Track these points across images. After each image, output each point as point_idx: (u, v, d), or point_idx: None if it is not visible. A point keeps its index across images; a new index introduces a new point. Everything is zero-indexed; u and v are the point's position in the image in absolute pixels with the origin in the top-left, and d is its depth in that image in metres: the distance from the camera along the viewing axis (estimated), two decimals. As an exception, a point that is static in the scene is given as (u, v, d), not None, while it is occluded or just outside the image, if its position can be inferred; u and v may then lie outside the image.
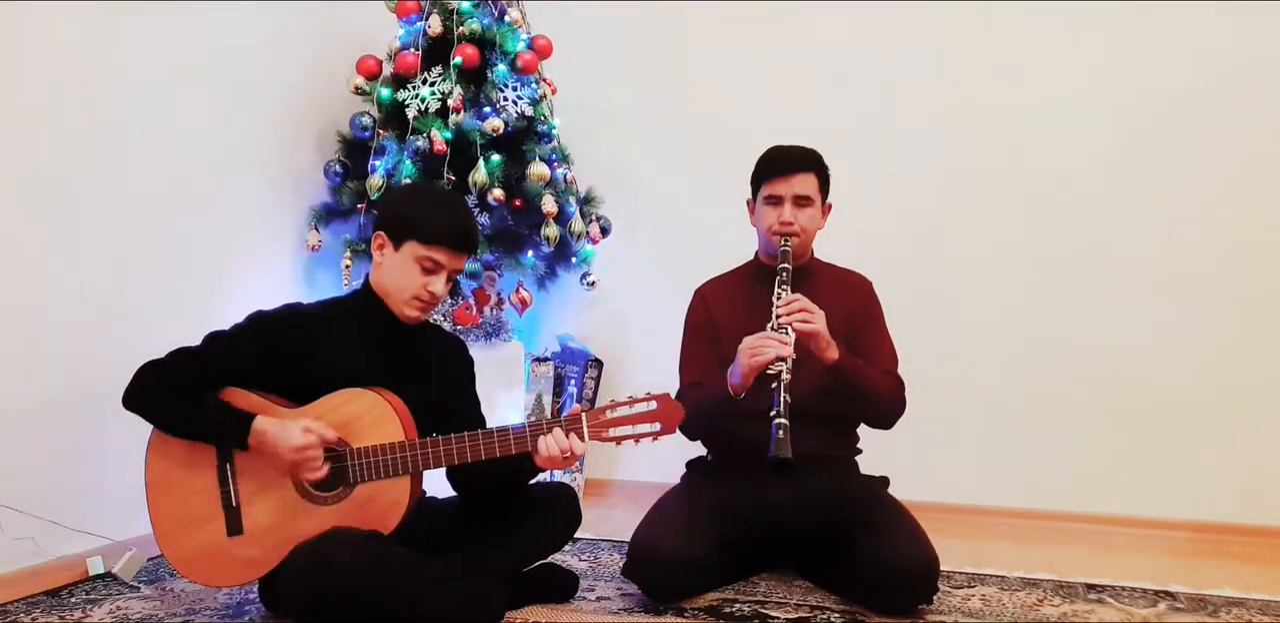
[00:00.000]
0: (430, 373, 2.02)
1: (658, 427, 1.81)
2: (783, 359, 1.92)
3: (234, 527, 1.85)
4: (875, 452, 2.36)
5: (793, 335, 1.98)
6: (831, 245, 2.42)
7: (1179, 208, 2.98)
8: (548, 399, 3.39)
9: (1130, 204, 3.02)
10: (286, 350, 1.88)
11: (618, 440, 1.82)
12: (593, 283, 3.26)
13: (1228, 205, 2.94)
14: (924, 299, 3.03)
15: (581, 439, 1.82)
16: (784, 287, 2.09)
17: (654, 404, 1.82)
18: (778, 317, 2.02)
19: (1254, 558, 2.65)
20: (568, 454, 1.80)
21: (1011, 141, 3.11)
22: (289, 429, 1.78)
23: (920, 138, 3.19)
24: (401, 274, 1.91)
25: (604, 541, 2.67)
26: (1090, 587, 2.24)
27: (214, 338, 1.88)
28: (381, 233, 1.95)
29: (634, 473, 3.42)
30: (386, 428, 1.84)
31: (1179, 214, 2.98)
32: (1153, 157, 3.00)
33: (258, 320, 1.92)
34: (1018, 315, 3.10)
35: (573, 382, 3.40)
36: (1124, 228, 3.02)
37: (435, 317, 2.97)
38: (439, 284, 1.91)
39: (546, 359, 3.39)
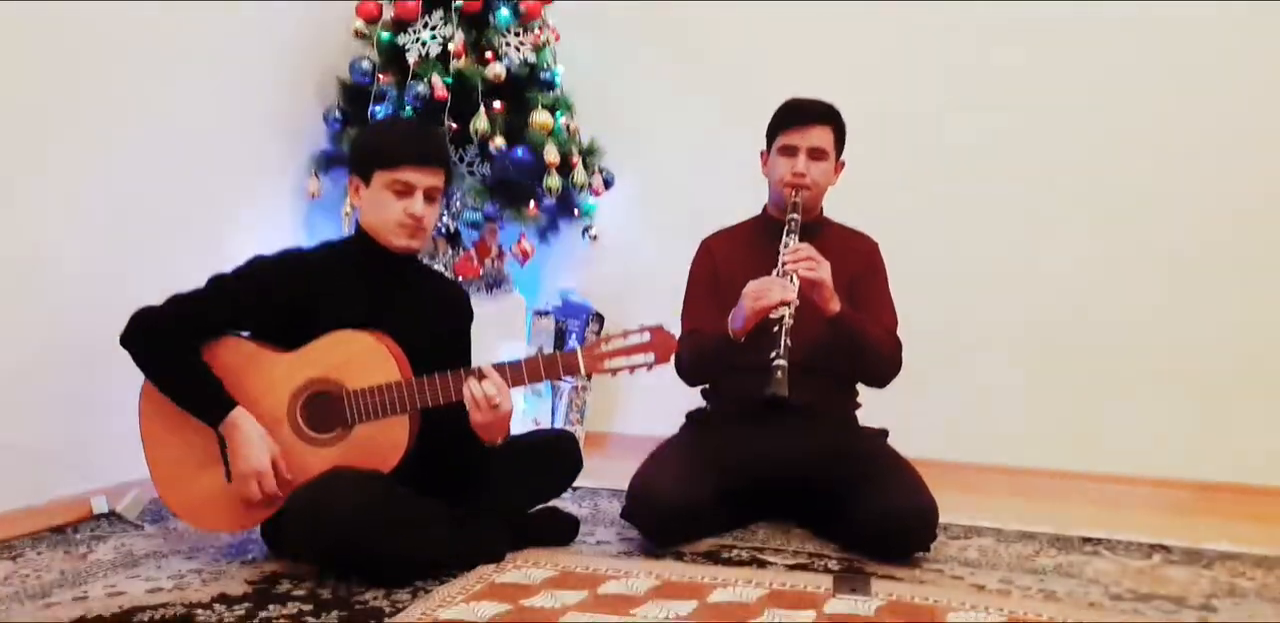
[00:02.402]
0: (428, 319, 2.01)
1: (651, 357, 1.82)
2: (786, 304, 1.92)
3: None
4: (872, 407, 2.36)
5: (797, 282, 1.98)
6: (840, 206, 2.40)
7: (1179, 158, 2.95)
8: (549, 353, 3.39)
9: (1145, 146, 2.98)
10: (287, 294, 1.87)
11: (613, 371, 1.83)
12: (595, 236, 3.23)
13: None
14: (922, 255, 3.00)
15: (495, 387, 1.79)
16: (792, 236, 2.09)
17: (647, 335, 1.83)
18: (783, 264, 2.02)
19: (1250, 516, 2.65)
20: (495, 403, 1.79)
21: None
22: (260, 446, 1.78)
23: (922, 94, 3.14)
24: (380, 206, 1.89)
25: (604, 489, 2.68)
26: (1086, 540, 2.25)
27: (216, 281, 1.87)
28: (352, 176, 1.96)
29: (633, 426, 3.43)
30: (382, 369, 1.83)
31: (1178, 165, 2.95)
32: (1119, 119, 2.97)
33: (258, 264, 1.90)
34: (1017, 273, 3.07)
35: (574, 336, 3.39)
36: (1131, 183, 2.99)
37: (436, 267, 2.95)
38: (417, 204, 1.88)
39: (548, 313, 3.38)
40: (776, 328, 1.92)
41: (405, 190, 1.88)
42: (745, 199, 2.42)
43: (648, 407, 2.59)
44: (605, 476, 2.75)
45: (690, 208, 3.06)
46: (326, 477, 1.73)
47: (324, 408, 1.84)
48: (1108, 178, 3.00)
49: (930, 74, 3.12)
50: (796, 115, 2.21)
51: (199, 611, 1.61)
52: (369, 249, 1.94)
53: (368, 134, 2.07)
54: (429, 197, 1.91)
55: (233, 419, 1.79)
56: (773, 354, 1.88)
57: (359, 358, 1.84)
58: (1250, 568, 2.05)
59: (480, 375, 1.83)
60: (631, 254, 3.40)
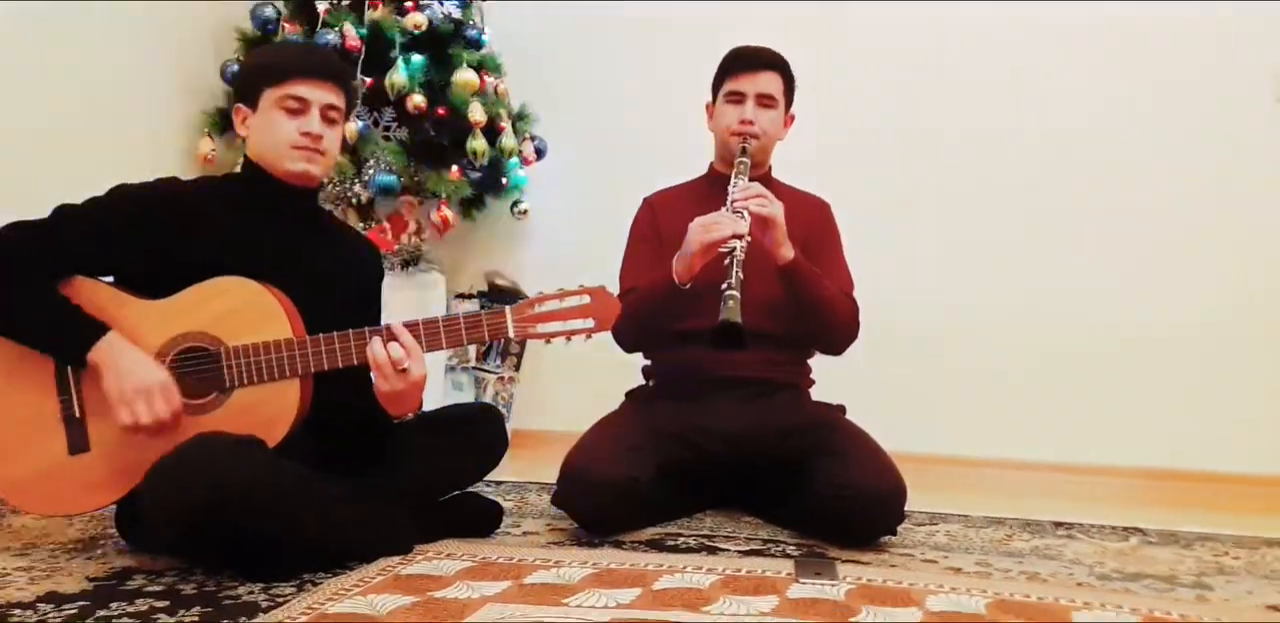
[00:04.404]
0: (330, 270, 1.73)
1: (591, 323, 1.57)
2: (738, 237, 1.76)
3: (77, 443, 1.54)
4: (829, 396, 2.15)
5: (749, 218, 1.81)
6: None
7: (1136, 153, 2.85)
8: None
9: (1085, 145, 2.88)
10: (155, 229, 1.57)
11: (547, 337, 1.57)
12: (524, 211, 2.99)
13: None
14: (881, 238, 2.84)
15: (408, 351, 1.54)
16: (742, 176, 1.94)
17: (587, 298, 1.58)
18: (733, 202, 1.85)
19: (1210, 505, 2.54)
20: (402, 367, 1.53)
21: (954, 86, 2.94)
22: (151, 363, 1.50)
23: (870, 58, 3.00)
24: (270, 128, 1.64)
25: (532, 483, 2.42)
26: (1058, 524, 2.08)
27: (61, 211, 1.56)
28: (237, 105, 1.70)
29: (566, 423, 3.16)
30: (270, 324, 1.55)
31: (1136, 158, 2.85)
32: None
33: (120, 193, 1.61)
34: (980, 260, 2.94)
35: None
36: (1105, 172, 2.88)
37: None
38: (313, 122, 1.63)
39: (471, 296, 3.12)
40: (728, 260, 1.76)
41: (299, 108, 1.63)
42: (690, 172, 2.23)
43: (582, 400, 2.34)
44: (533, 473, 2.50)
45: (631, 184, 2.83)
46: (193, 442, 1.42)
47: (197, 368, 1.55)
48: (1081, 169, 2.90)
49: (901, 52, 2.98)
50: (744, 61, 2.06)
51: (15, 612, 1.29)
52: (258, 181, 1.67)
53: (251, 58, 1.79)
54: (327, 118, 1.65)
55: (110, 343, 1.49)
56: (724, 284, 1.72)
57: (242, 310, 1.56)
58: (1231, 548, 1.92)
59: (388, 335, 1.56)
60: (565, 233, 3.16)
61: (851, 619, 1.31)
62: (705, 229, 1.78)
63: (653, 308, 1.89)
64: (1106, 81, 2.87)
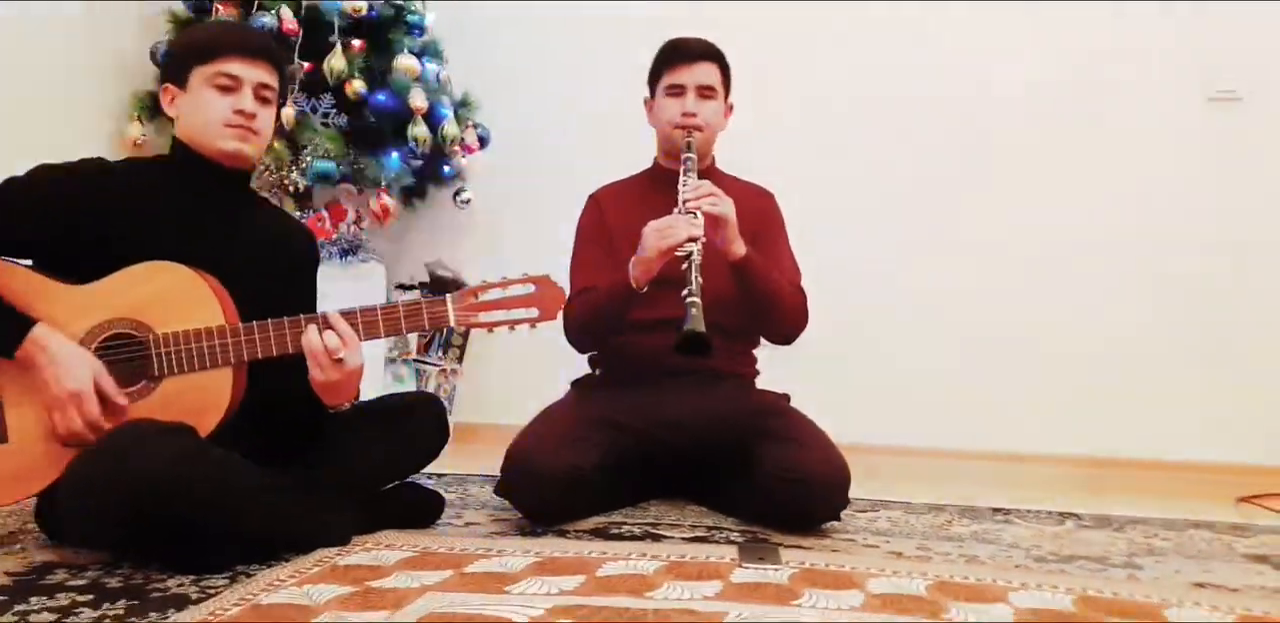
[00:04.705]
0: (263, 255, 1.69)
1: (535, 312, 1.55)
2: (694, 240, 1.76)
3: (-7, 433, 1.47)
4: (773, 385, 2.16)
5: (702, 218, 1.80)
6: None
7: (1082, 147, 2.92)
8: (413, 334, 3.07)
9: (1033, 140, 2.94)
10: (77, 209, 1.51)
11: (489, 326, 1.55)
12: (467, 201, 2.95)
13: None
14: (822, 225, 2.86)
15: (345, 340, 1.51)
16: (690, 174, 1.92)
17: (531, 287, 1.56)
18: (684, 202, 1.84)
19: (1149, 491, 2.61)
20: (338, 357, 1.50)
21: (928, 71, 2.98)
22: (82, 361, 1.44)
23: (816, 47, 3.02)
24: (201, 107, 1.59)
25: (474, 475, 2.39)
26: (996, 510, 2.13)
27: None
28: (165, 85, 1.65)
29: (509, 416, 3.14)
30: (201, 310, 1.51)
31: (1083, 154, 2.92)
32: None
33: (40, 172, 1.54)
34: (920, 253, 2.98)
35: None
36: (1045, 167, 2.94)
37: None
38: (246, 100, 1.59)
39: (412, 287, 3.07)
40: (685, 265, 1.75)
41: (231, 85, 1.58)
42: (636, 161, 2.21)
43: (525, 394, 2.31)
44: (476, 466, 2.47)
45: (575, 172, 2.81)
46: (120, 429, 1.37)
47: (124, 356, 1.49)
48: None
49: (867, 38, 3.00)
50: (680, 53, 2.05)
51: (-75, 607, 1.23)
52: (188, 162, 1.62)
53: (180, 34, 1.74)
54: (260, 97, 1.61)
55: (37, 337, 1.43)
56: (684, 292, 1.71)
57: (171, 295, 1.51)
58: (1161, 530, 1.97)
59: (324, 323, 1.52)
60: (509, 223, 3.13)
61: (794, 602, 1.31)
62: (661, 235, 1.77)
63: (610, 312, 1.88)
64: (1050, 72, 2.93)
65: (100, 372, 1.45)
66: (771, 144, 2.82)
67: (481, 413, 3.19)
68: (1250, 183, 2.82)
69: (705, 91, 2.02)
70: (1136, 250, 2.87)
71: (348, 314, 1.54)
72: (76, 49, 2.53)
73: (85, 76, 2.57)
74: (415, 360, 3.03)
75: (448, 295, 1.55)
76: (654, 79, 2.09)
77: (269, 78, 1.61)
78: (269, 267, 1.69)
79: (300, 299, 1.76)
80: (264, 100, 1.62)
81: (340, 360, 1.51)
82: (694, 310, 1.66)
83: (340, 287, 2.69)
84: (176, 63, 1.63)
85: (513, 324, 1.56)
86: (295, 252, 1.79)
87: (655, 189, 2.05)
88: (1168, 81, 2.85)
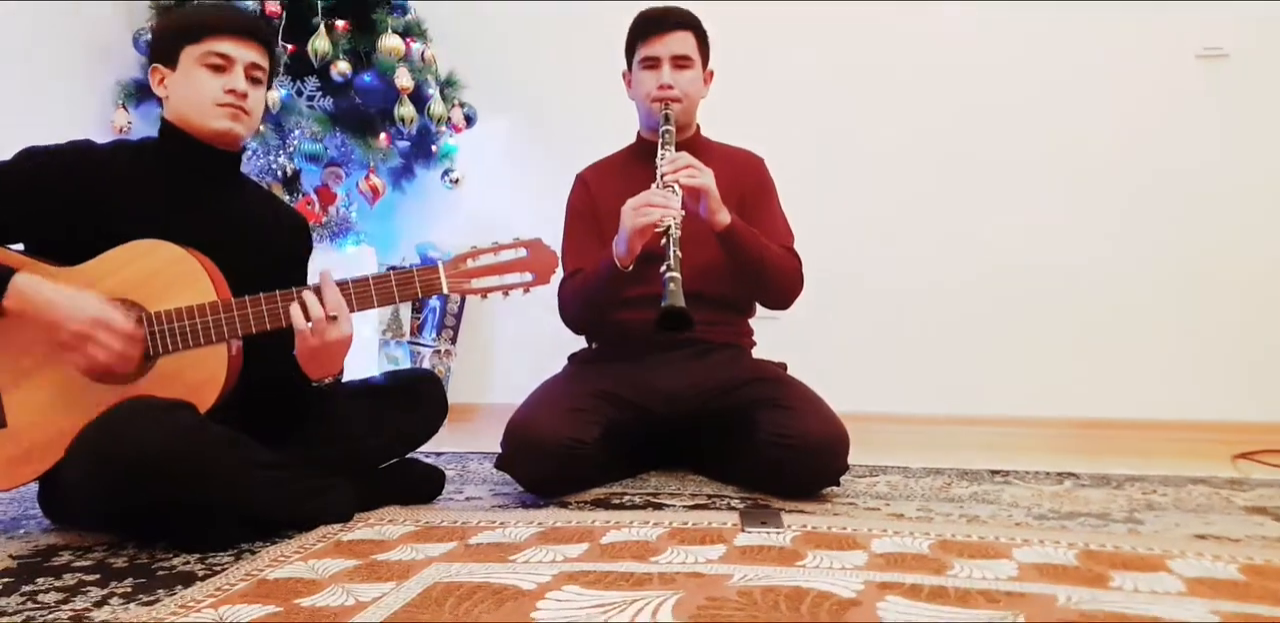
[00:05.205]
0: (256, 237, 1.68)
1: (529, 276, 1.55)
2: (671, 215, 1.74)
3: (-8, 418, 1.46)
4: (769, 354, 2.16)
5: (680, 192, 1.78)
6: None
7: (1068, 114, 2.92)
8: (406, 315, 3.07)
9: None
10: (67, 191, 1.50)
11: (483, 292, 1.54)
12: (456, 180, 2.94)
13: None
14: (814, 192, 2.86)
15: (326, 305, 1.48)
16: (668, 147, 1.90)
17: (523, 251, 1.55)
18: (662, 176, 1.82)
19: (1145, 451, 2.62)
20: (333, 314, 1.48)
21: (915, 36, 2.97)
22: (82, 297, 1.41)
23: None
24: (192, 87, 1.57)
25: (473, 453, 2.40)
26: (994, 472, 2.14)
27: None
28: (154, 65, 1.63)
29: (504, 396, 3.14)
30: (193, 287, 1.50)
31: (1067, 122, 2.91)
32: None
33: (29, 155, 1.53)
34: (916, 219, 2.98)
35: (434, 296, 3.08)
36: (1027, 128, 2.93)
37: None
38: (237, 80, 1.58)
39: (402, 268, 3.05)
40: (664, 240, 1.72)
41: (222, 65, 1.57)
42: (623, 138, 2.20)
43: (520, 373, 2.31)
44: (473, 444, 2.48)
45: (564, 150, 2.80)
46: (121, 407, 1.36)
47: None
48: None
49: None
50: (653, 23, 2.03)
51: (-66, 592, 1.23)
52: (178, 143, 1.61)
53: (168, 16, 1.73)
54: (251, 77, 1.60)
55: (20, 287, 1.39)
56: (663, 267, 1.68)
57: (163, 274, 1.50)
58: (1159, 486, 1.98)
59: (315, 291, 1.51)
60: (498, 203, 3.12)
61: (798, 563, 1.32)
62: (637, 212, 1.76)
63: (599, 291, 1.88)
64: (1038, 30, 2.93)
65: (108, 311, 1.42)
66: (757, 113, 2.81)
67: (476, 393, 3.21)
68: (1238, 139, 2.82)
69: (680, 61, 2.00)
70: (1128, 211, 2.88)
71: (340, 285, 1.53)
72: (60, 36, 2.50)
73: (70, 64, 2.54)
74: (409, 342, 3.02)
75: (439, 262, 1.55)
76: (630, 51, 2.07)
77: (259, 58, 1.61)
78: (259, 248, 1.68)
79: (291, 282, 1.74)
80: (254, 81, 1.61)
81: (334, 319, 1.49)
82: (672, 285, 1.64)
83: (330, 258, 2.68)
84: (166, 42, 1.61)
85: (507, 289, 1.55)
86: (289, 233, 1.78)
87: (638, 163, 2.04)
88: (1157, 38, 2.85)
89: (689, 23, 2.03)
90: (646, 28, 2.02)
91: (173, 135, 1.61)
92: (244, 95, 1.58)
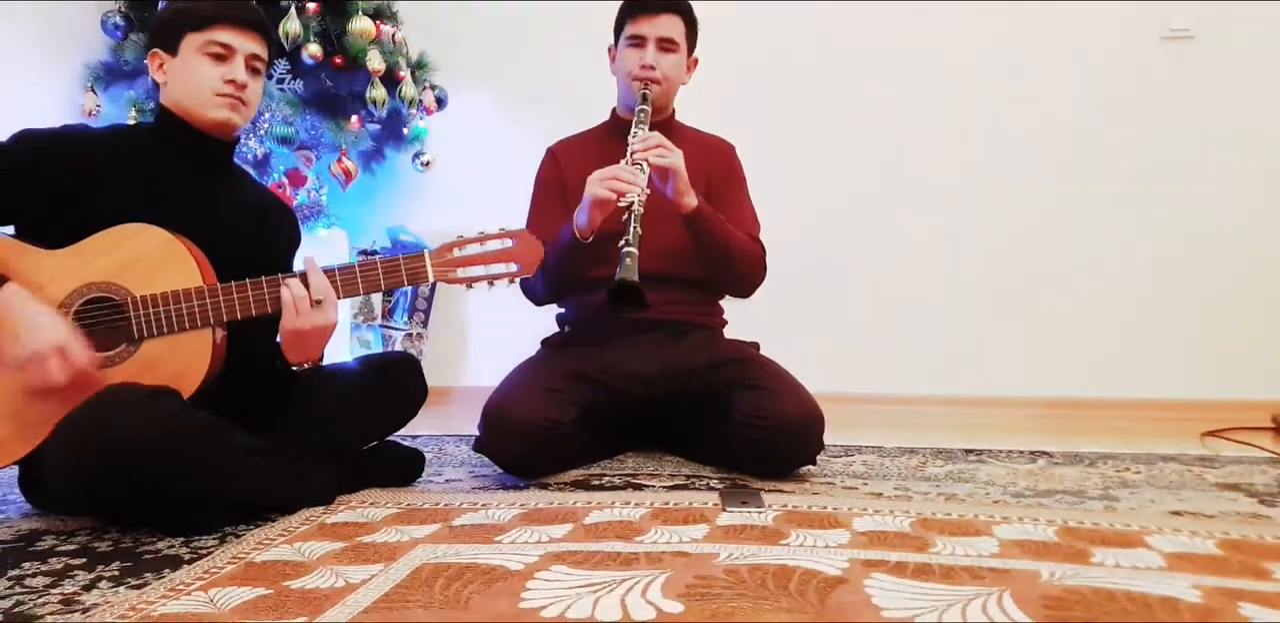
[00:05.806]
0: (245, 225, 1.67)
1: (514, 267, 1.55)
2: (635, 190, 1.73)
3: (-30, 400, 1.44)
4: (742, 335, 2.18)
5: (648, 171, 1.79)
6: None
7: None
8: (377, 298, 3.05)
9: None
10: (62, 175, 1.49)
11: (468, 282, 1.54)
12: (427, 163, 2.92)
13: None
14: (787, 176, 2.88)
15: (311, 290, 1.49)
16: (641, 126, 1.90)
17: (510, 242, 1.55)
18: (633, 153, 1.82)
19: (1117, 429, 2.67)
20: (318, 298, 1.49)
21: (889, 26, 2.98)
22: (54, 318, 1.39)
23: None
24: (192, 75, 1.57)
25: (449, 436, 2.40)
26: (968, 451, 2.17)
27: None
28: (154, 50, 1.62)
29: (479, 379, 3.14)
30: (178, 271, 1.48)
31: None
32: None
33: (24, 138, 1.51)
34: (887, 199, 3.01)
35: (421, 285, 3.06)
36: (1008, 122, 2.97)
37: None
38: (238, 70, 1.57)
39: (375, 252, 3.03)
40: (626, 216, 1.72)
41: (223, 54, 1.57)
42: (596, 120, 2.19)
43: (491, 356, 2.31)
44: (449, 427, 2.48)
45: (536, 131, 2.79)
46: (104, 392, 1.35)
47: (103, 319, 1.47)
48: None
49: None
50: (645, 4, 2.02)
51: (-85, 579, 1.21)
52: (174, 129, 1.60)
53: (169, 5, 1.71)
54: (251, 68, 1.59)
55: (8, 296, 1.39)
56: (622, 242, 1.68)
57: (148, 257, 1.48)
58: (1132, 464, 2.03)
59: (302, 277, 1.51)
60: (470, 185, 3.10)
61: (782, 542, 1.34)
62: (601, 182, 1.75)
63: (559, 262, 1.87)
64: (1003, 12, 2.96)
65: (72, 340, 1.41)
66: (728, 95, 2.82)
67: (449, 376, 3.21)
68: (1201, 120, 2.87)
69: (666, 44, 2.00)
70: (1094, 189, 2.92)
71: (326, 272, 1.53)
72: (26, 19, 2.45)
73: (35, 44, 2.49)
74: (381, 325, 3.01)
75: (425, 251, 1.54)
76: (618, 28, 2.06)
77: (260, 49, 1.61)
78: (249, 237, 1.67)
79: (277, 271, 1.73)
80: (254, 71, 1.61)
81: (320, 303, 1.49)
82: (628, 260, 1.64)
83: (303, 252, 2.65)
84: (168, 29, 1.60)
85: (492, 280, 1.55)
86: (278, 223, 1.78)
87: (610, 139, 2.04)
88: (1122, 19, 2.89)
89: (681, 8, 2.04)
90: (638, 7, 2.02)
91: (169, 121, 1.61)
92: (243, 86, 1.58)
